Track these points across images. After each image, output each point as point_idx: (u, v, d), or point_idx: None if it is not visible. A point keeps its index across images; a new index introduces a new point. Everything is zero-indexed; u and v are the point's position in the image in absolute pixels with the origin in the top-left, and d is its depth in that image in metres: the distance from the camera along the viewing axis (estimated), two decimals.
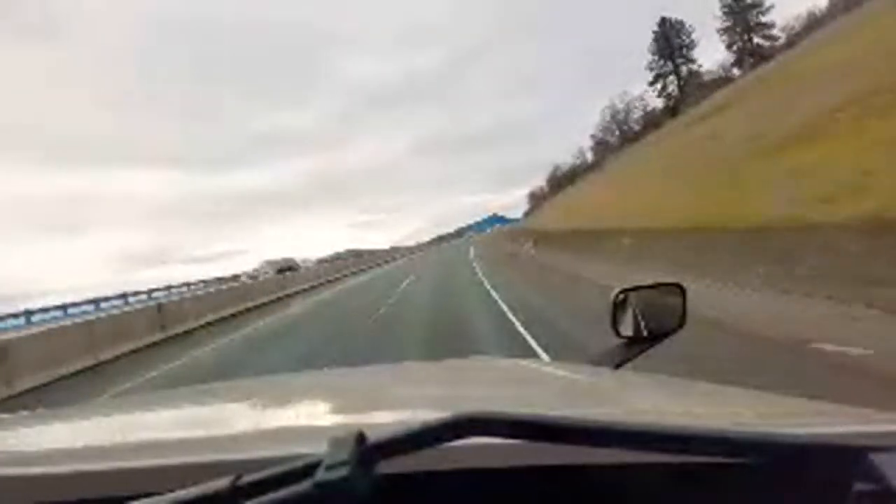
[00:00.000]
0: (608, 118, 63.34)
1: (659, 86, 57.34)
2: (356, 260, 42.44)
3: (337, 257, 57.45)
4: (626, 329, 1.34)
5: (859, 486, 0.43)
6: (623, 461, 0.50)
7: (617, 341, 1.33)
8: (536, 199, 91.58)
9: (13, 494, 0.61)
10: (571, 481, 0.57)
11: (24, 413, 1.23)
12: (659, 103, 57.76)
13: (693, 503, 0.57)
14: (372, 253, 65.74)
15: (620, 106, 62.25)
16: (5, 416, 1.17)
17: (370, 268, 40.75)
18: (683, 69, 55.32)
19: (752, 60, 44.67)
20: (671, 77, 56.12)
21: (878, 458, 0.42)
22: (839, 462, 0.45)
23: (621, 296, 1.35)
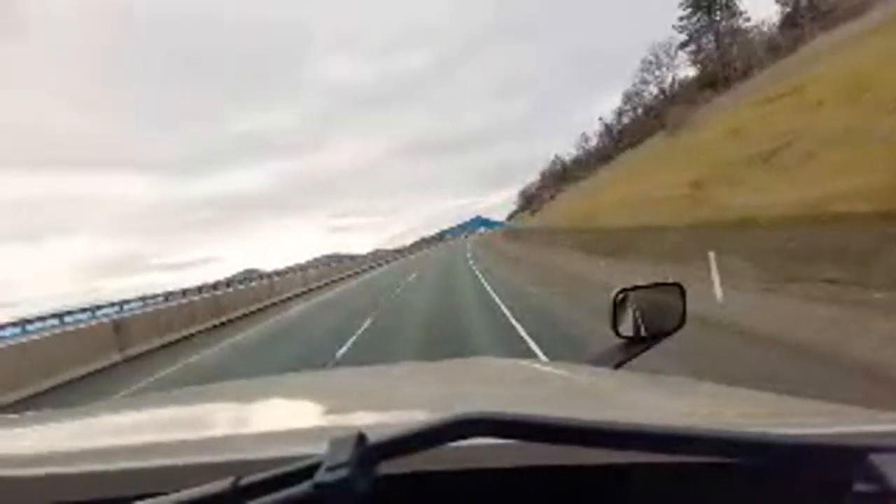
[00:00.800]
0: (646, 73, 49.59)
1: (693, 47, 44.58)
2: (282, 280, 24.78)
3: (314, 264, 49.53)
4: (626, 329, 1.33)
5: (859, 487, 0.43)
6: (623, 461, 0.50)
7: (617, 341, 1.33)
8: (528, 199, 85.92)
9: (14, 495, 0.61)
10: (572, 481, 0.57)
11: (27, 413, 1.23)
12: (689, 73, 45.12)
13: (693, 503, 0.57)
14: (340, 260, 55.57)
15: (664, 58, 47.41)
16: (7, 416, 1.17)
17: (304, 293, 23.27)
18: (723, 25, 42.08)
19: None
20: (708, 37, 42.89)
21: (878, 459, 0.42)
22: (839, 462, 0.45)
23: (621, 296, 1.35)
